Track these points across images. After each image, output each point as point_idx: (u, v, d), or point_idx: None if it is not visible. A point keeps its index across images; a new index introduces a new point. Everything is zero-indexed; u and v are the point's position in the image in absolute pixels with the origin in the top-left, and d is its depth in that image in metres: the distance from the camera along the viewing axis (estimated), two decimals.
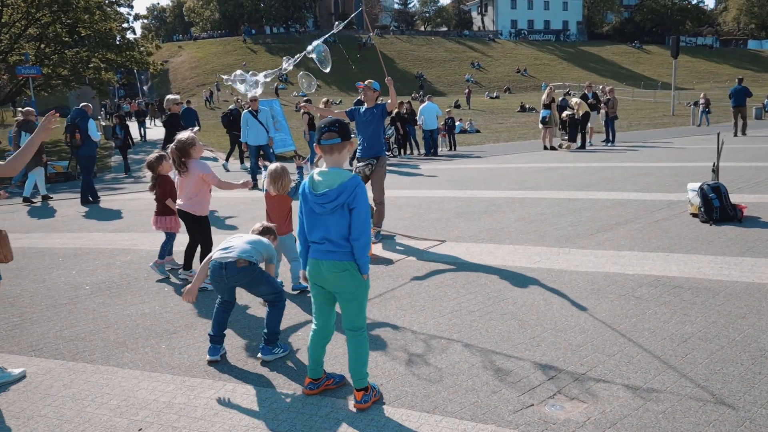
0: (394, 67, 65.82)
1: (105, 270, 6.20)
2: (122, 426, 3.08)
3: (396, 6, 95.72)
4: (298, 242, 3.31)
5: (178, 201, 5.38)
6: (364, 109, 7.02)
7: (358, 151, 7.04)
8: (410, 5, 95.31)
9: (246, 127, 11.66)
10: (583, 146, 16.65)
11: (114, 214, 9.75)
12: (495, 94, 52.19)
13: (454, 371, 3.51)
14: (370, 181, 6.96)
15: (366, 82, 7.06)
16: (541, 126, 16.99)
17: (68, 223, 9.28)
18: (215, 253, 3.79)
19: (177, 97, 10.49)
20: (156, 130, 28.65)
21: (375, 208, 6.92)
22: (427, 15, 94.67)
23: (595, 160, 13.77)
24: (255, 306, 4.83)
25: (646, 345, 3.73)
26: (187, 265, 5.62)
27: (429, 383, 3.38)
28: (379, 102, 7.26)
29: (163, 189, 5.74)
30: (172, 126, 9.53)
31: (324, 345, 3.31)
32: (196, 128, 9.55)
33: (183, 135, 5.08)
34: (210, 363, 3.80)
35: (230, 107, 17.62)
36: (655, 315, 4.22)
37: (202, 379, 3.59)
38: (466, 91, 45.17)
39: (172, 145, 5.08)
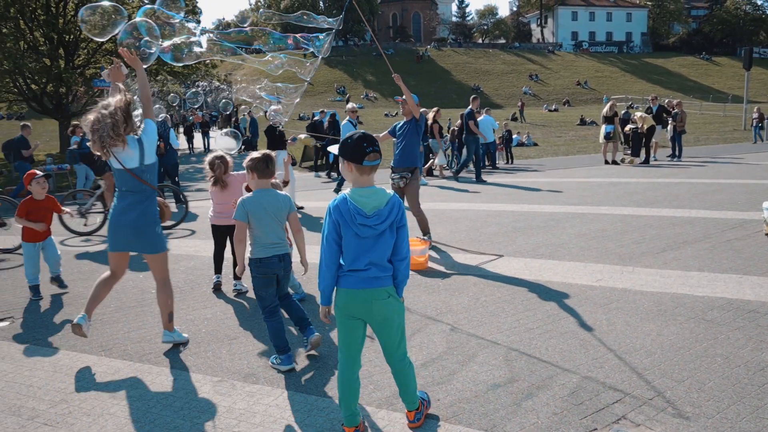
0: (450, 80, 65.78)
1: (171, 274, 6.41)
2: (185, 428, 3.17)
3: (454, 19, 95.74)
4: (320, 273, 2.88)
5: (215, 213, 5.60)
6: (402, 123, 7.21)
7: (392, 161, 7.17)
8: (468, 18, 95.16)
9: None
10: (647, 161, 16.09)
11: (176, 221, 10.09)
12: (554, 107, 51.27)
13: (512, 390, 3.43)
14: (404, 194, 7.07)
15: (404, 92, 7.13)
16: (602, 140, 16.50)
17: None
18: (254, 249, 3.86)
19: (279, 108, 10.67)
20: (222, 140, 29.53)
21: (416, 218, 7.02)
22: (485, 27, 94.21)
23: (660, 176, 13.27)
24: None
25: (718, 372, 3.54)
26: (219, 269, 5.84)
27: (487, 401, 3.32)
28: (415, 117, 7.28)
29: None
30: (273, 137, 10.41)
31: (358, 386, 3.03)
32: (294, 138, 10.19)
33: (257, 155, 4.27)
34: (289, 371, 3.84)
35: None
36: (728, 340, 4.01)
37: (261, 385, 3.66)
38: (520, 103, 44.49)
39: (246, 163, 4.12)
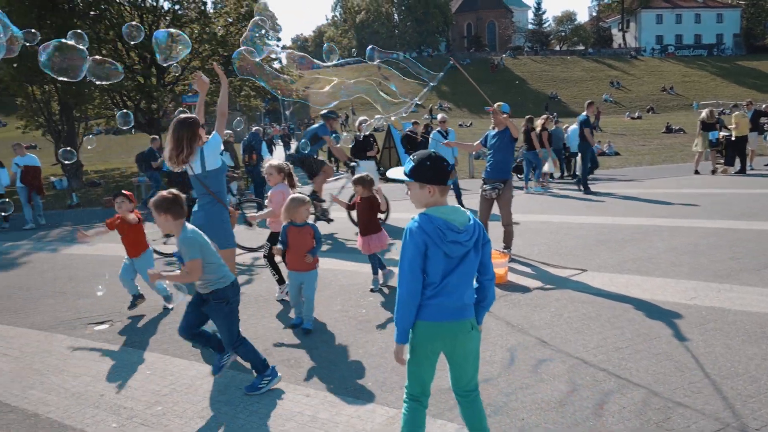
0: (527, 88, 64.56)
1: (251, 284, 6.65)
2: None
3: (530, 26, 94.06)
4: (401, 303, 2.55)
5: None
6: (494, 133, 7.10)
7: (484, 172, 7.10)
8: (545, 25, 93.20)
9: (436, 147, 11.82)
10: (742, 170, 15.07)
11: (258, 230, 10.43)
12: (637, 114, 49.11)
13: (602, 413, 3.28)
14: (497, 205, 6.99)
15: (495, 105, 7.04)
16: (699, 149, 15.45)
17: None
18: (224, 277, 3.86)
19: (366, 118, 10.81)
20: None
21: (504, 230, 6.96)
22: (563, 34, 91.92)
23: (759, 186, 12.39)
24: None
25: None
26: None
27: (574, 423, 3.19)
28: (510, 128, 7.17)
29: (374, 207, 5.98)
30: (410, 145, 10.66)
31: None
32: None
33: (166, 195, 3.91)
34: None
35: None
36: None
37: (344, 396, 3.69)
38: (596, 111, 42.82)
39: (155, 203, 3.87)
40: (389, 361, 4.17)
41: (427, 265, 2.51)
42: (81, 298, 6.42)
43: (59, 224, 12.81)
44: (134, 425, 3.46)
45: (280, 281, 5.96)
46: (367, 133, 10.39)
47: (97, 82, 4.88)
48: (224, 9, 28.41)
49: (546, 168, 14.50)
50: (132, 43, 6.07)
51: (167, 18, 26.66)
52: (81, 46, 4.62)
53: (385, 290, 6.00)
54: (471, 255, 2.56)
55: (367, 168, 10.18)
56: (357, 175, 6.17)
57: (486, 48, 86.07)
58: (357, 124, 10.59)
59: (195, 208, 4.86)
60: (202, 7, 27.40)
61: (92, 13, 21.64)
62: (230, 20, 28.21)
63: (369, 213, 5.99)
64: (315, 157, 9.50)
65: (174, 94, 26.25)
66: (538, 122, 14.53)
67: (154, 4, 26.20)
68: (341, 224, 9.81)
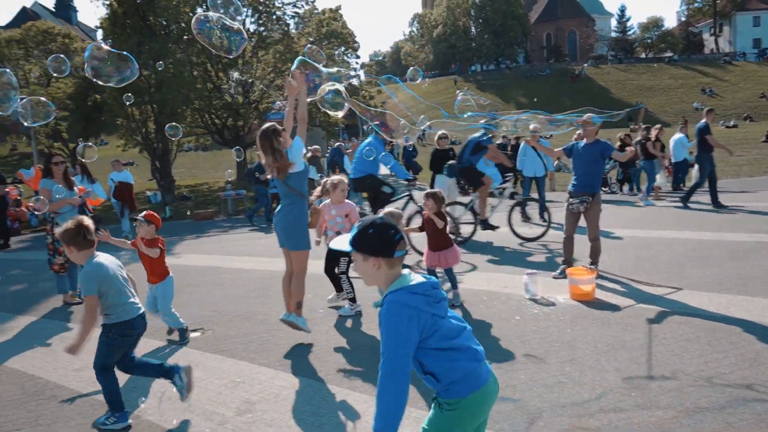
0: (609, 98, 62.24)
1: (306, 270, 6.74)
2: None
3: (613, 34, 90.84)
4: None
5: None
6: (582, 144, 6.84)
7: (570, 185, 6.86)
8: (629, 32, 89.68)
9: (524, 156, 11.64)
10: None
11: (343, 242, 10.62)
12: (732, 123, 46.11)
13: None
14: (584, 218, 6.75)
15: (585, 117, 6.81)
16: None
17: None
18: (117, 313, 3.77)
19: (443, 132, 10.54)
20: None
21: (591, 245, 6.72)
22: (649, 41, 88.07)
23: None
24: None
25: None
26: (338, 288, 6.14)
27: None
28: (601, 140, 6.90)
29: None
30: (437, 161, 10.31)
31: None
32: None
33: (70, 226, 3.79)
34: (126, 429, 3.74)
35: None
36: None
37: (427, 412, 3.66)
38: (682, 121, 40.55)
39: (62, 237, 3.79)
40: None
41: (441, 339, 2.14)
42: (174, 307, 6.74)
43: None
44: (226, 431, 3.58)
45: (352, 300, 6.00)
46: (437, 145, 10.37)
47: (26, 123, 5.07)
48: (306, 29, 29.40)
49: (658, 180, 13.96)
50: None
51: (253, 39, 27.89)
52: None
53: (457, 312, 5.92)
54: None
55: (446, 182, 10.13)
56: (429, 190, 6.14)
57: (566, 58, 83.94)
58: (436, 138, 10.59)
59: (278, 208, 5.11)
60: (285, 29, 28.51)
61: (185, 37, 22.98)
62: (311, 39, 29.12)
63: (438, 227, 5.90)
64: (475, 167, 9.40)
65: (258, 112, 27.38)
66: (653, 132, 14.12)
67: (241, 27, 27.50)
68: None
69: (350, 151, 17.11)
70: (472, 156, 9.39)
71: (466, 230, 9.31)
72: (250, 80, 27.55)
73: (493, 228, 9.37)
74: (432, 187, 10.70)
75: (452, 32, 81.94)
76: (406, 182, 9.31)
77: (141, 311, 3.87)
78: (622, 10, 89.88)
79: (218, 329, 5.76)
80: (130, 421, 3.80)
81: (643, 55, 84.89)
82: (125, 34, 20.67)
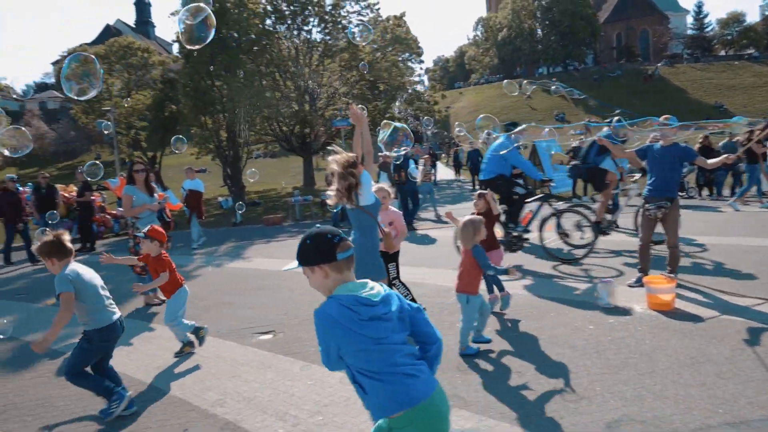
0: (685, 98, 59.47)
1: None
2: None
3: (689, 32, 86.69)
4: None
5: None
6: (659, 147, 6.53)
7: (646, 190, 6.56)
8: (707, 29, 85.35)
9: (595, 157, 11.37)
10: None
11: (404, 247, 10.63)
12: None
13: None
14: (661, 224, 6.44)
15: (662, 119, 6.52)
16: None
17: None
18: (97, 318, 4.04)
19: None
20: (443, 170, 31.48)
21: (670, 252, 6.43)
22: (730, 37, 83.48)
23: None
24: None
25: None
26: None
27: None
28: (679, 143, 6.58)
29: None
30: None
31: None
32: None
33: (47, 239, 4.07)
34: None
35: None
36: None
37: (498, 421, 3.60)
38: (765, 122, 37.92)
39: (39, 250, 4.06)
40: (553, 381, 3.98)
41: (354, 357, 2.12)
42: (247, 309, 6.97)
43: (225, 241, 14.10)
44: None
45: (413, 300, 6.03)
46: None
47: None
48: (371, 37, 29.75)
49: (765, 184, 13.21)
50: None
51: (319, 49, 28.51)
52: None
53: (453, 334, 5.77)
54: (398, 330, 2.18)
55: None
56: (481, 191, 6.06)
57: (638, 58, 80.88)
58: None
59: (351, 238, 5.07)
60: (350, 36, 28.97)
61: (255, 48, 23.78)
62: (375, 47, 29.44)
63: (488, 226, 5.74)
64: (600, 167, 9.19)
65: (324, 119, 27.91)
66: (756, 132, 13.38)
67: (308, 37, 28.14)
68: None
69: (423, 158, 17.26)
70: (597, 156, 9.14)
71: (587, 234, 8.25)
72: (317, 88, 28.15)
73: (607, 232, 8.87)
74: None
75: (517, 35, 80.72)
76: (539, 183, 9.05)
77: (119, 316, 4.13)
78: (699, 6, 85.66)
79: (288, 332, 5.89)
80: (129, 392, 4.14)
81: (722, 53, 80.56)
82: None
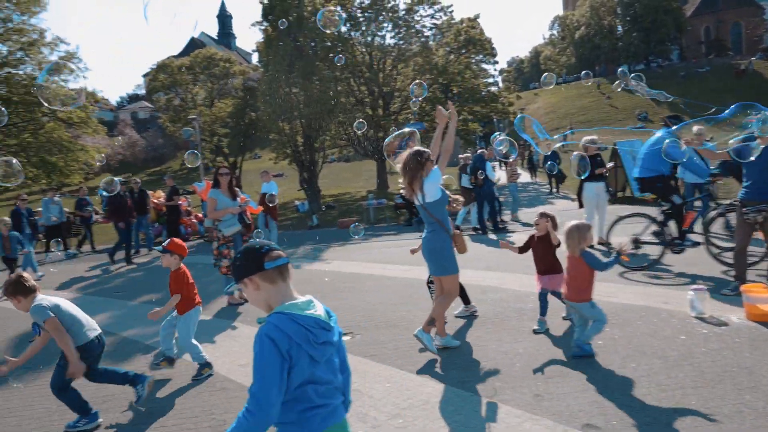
0: None
1: (479, 306, 6.67)
2: None
3: None
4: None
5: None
6: (754, 145, 6.07)
7: (742, 193, 6.13)
8: None
9: (684, 160, 10.76)
10: None
11: (482, 251, 10.51)
12: None
13: None
14: (760, 229, 6.03)
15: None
16: None
17: None
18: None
19: (595, 138, 9.89)
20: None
21: None
22: None
23: None
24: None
25: None
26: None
27: None
28: None
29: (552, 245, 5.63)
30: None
31: None
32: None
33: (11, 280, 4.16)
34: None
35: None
36: None
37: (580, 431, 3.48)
38: None
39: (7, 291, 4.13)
40: (624, 394, 3.81)
41: (292, 378, 1.99)
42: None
43: (302, 243, 14.46)
44: None
45: (466, 301, 6.30)
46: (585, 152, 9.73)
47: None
48: (444, 40, 29.64)
49: None
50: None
51: (393, 54, 28.74)
52: None
53: (536, 341, 5.53)
54: (334, 353, 2.15)
55: (595, 189, 9.60)
56: (544, 211, 5.80)
57: (729, 52, 76.03)
58: (583, 142, 10.06)
59: (423, 234, 5.19)
60: (422, 39, 28.97)
61: (331, 55, 24.28)
62: (449, 49, 29.33)
63: (549, 249, 5.56)
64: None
65: (397, 123, 28.08)
66: None
67: (382, 42, 28.43)
68: None
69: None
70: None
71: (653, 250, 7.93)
72: (392, 93, 28.38)
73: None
74: (580, 194, 10.20)
75: (596, 32, 77.96)
76: (708, 180, 8.52)
77: (97, 333, 4.25)
78: None
79: (366, 334, 5.95)
80: (100, 420, 4.21)
81: None
82: (278, 55, 22.31)
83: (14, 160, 4.89)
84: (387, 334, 5.91)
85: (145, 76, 62.69)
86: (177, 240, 5.18)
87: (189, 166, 8.31)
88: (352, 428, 3.74)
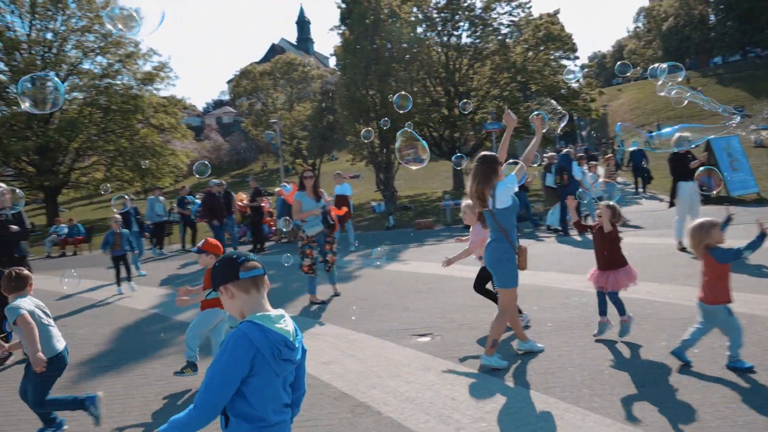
0: None
1: (563, 309, 6.49)
2: None
3: None
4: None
5: None
6: None
7: None
8: None
9: None
10: None
11: (564, 253, 10.20)
12: None
13: None
14: None
15: None
16: None
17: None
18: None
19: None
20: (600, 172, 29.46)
21: None
22: None
23: None
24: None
25: None
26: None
27: None
28: None
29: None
30: (679, 166, 9.39)
31: None
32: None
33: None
34: None
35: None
36: None
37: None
38: None
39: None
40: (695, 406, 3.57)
41: (248, 390, 2.04)
42: (405, 311, 7.14)
43: (379, 244, 14.58)
44: None
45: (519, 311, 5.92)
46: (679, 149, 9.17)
47: None
48: (522, 37, 28.99)
49: None
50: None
51: (469, 53, 28.44)
52: None
53: (623, 347, 5.16)
54: (292, 371, 2.19)
55: (690, 189, 9.08)
56: (610, 203, 5.47)
57: None
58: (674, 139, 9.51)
59: (487, 242, 5.03)
60: (499, 37, 28.46)
61: (407, 56, 24.37)
62: (527, 47, 28.65)
63: (611, 242, 5.27)
64: None
65: (474, 123, 27.75)
66: None
67: (458, 42, 28.20)
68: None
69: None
70: None
71: None
72: (468, 92, 28.10)
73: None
74: (674, 195, 9.68)
75: (686, 23, 73.70)
76: None
77: (64, 345, 4.29)
78: None
79: (446, 336, 5.93)
80: (65, 427, 4.33)
81: None
82: (355, 59, 22.65)
83: (17, 190, 5.70)
84: (467, 336, 5.86)
85: (229, 82, 65.59)
86: (211, 240, 5.21)
87: (198, 176, 8.54)
88: (434, 431, 3.76)
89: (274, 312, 2.15)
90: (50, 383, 4.19)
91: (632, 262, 5.39)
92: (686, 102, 5.65)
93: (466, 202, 6.29)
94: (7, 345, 4.37)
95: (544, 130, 5.36)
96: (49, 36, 32.18)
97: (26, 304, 4.18)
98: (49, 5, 31.28)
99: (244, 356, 1.99)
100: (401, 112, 6.82)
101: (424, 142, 6.13)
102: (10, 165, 31.18)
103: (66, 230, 20.67)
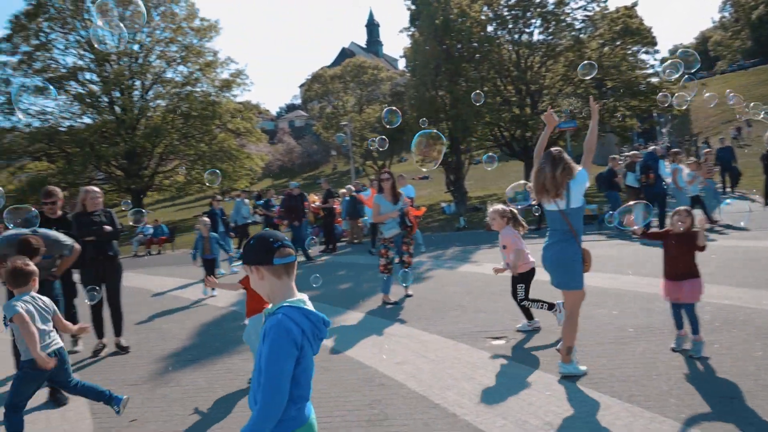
0: None
1: (645, 314, 6.23)
2: None
3: None
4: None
5: None
6: None
7: None
8: None
9: None
10: None
11: (647, 256, 9.76)
12: None
13: None
14: None
15: None
16: None
17: (604, 262, 9.63)
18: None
19: None
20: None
21: None
22: None
23: None
24: None
25: None
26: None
27: None
28: None
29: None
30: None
31: None
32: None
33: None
34: None
35: None
36: None
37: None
38: None
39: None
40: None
41: (297, 373, 2.08)
42: (478, 313, 7.08)
43: (451, 245, 14.51)
44: None
45: (550, 306, 6.01)
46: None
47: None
48: (598, 32, 27.99)
49: None
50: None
51: (541, 50, 27.77)
52: None
53: (713, 355, 4.79)
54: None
55: None
56: (684, 207, 5.11)
57: None
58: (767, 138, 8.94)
59: (547, 242, 4.79)
60: (573, 33, 27.58)
61: (477, 56, 24.11)
62: (602, 42, 27.63)
63: (687, 250, 4.90)
64: None
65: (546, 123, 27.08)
66: None
67: (530, 39, 27.60)
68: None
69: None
70: None
71: None
72: (541, 91, 27.47)
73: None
74: None
75: None
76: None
77: (58, 347, 4.25)
78: None
79: (521, 339, 5.83)
80: (125, 397, 4.43)
81: None
82: (425, 59, 22.64)
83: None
84: (540, 339, 5.74)
85: (301, 86, 67.25)
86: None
87: (208, 185, 8.62)
88: None
89: (300, 296, 2.19)
90: (32, 383, 4.18)
91: (724, 266, 5.11)
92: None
93: (493, 207, 6.20)
94: (75, 327, 4.60)
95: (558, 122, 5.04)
96: (135, 47, 34.17)
97: (23, 303, 4.15)
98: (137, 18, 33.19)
99: (293, 342, 2.05)
100: (423, 127, 6.88)
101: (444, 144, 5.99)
102: (101, 169, 33.34)
103: (151, 230, 21.85)
